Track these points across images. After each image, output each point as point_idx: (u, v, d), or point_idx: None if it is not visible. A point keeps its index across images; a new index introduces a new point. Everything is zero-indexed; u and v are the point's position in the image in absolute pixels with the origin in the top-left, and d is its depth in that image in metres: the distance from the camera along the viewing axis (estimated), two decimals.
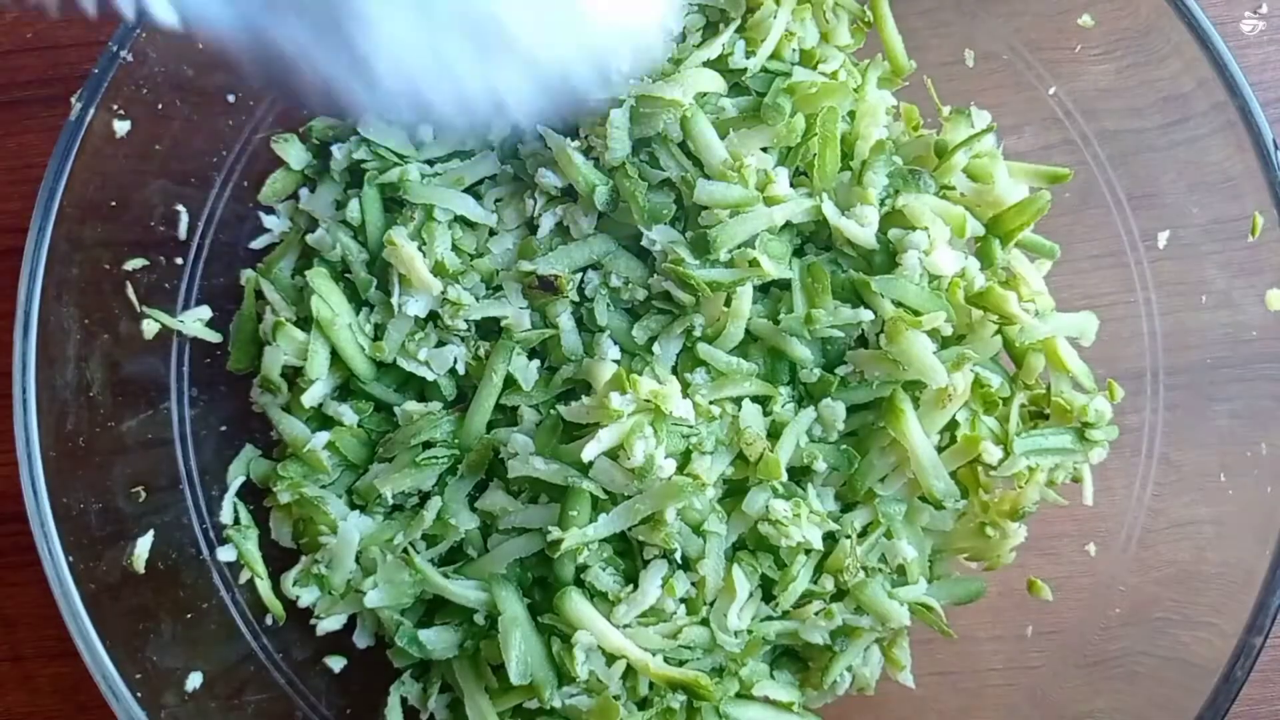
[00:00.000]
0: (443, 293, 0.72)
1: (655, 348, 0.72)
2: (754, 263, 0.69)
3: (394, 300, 0.72)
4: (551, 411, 0.71)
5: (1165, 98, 0.70)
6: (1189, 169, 0.70)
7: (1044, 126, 0.74)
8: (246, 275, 0.75)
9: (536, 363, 0.73)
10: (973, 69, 0.77)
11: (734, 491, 0.71)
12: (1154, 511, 0.70)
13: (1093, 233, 0.74)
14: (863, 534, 0.71)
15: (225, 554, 0.73)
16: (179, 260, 0.74)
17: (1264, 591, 0.63)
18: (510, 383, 0.72)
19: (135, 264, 0.72)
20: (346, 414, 0.74)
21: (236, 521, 0.74)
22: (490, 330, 0.73)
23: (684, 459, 0.69)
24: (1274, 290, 0.67)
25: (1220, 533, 0.68)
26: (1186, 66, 0.67)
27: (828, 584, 0.71)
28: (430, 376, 0.73)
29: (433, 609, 0.74)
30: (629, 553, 0.71)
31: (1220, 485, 0.69)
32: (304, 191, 0.76)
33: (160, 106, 0.71)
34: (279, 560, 0.74)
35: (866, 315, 0.69)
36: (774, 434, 0.71)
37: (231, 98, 0.75)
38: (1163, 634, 0.68)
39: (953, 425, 0.71)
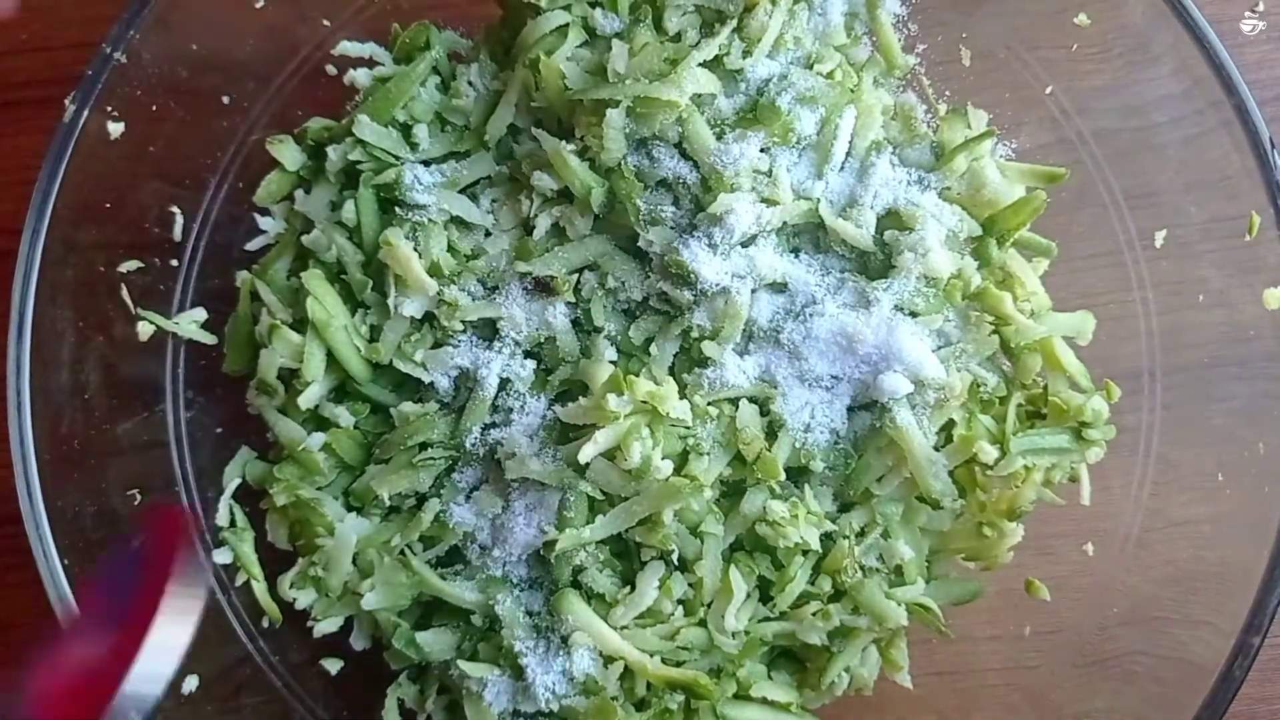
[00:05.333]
0: (438, 294, 0.71)
1: (652, 349, 0.72)
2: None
3: (390, 301, 0.72)
4: (548, 413, 0.71)
5: (1162, 96, 0.70)
6: (1186, 168, 0.70)
7: (1041, 125, 0.74)
8: (241, 277, 0.75)
9: (533, 363, 0.72)
10: (969, 68, 0.77)
11: (731, 492, 0.71)
12: (1152, 511, 0.70)
13: (1090, 232, 0.74)
14: (860, 534, 0.71)
15: (221, 556, 0.73)
16: (174, 262, 0.74)
17: (1262, 590, 0.63)
18: (506, 384, 0.72)
19: (130, 266, 0.71)
20: (343, 416, 0.73)
21: (232, 524, 0.74)
22: (487, 331, 0.73)
23: (681, 460, 0.69)
24: (1271, 289, 0.67)
25: (1218, 532, 0.68)
26: (1183, 65, 0.67)
27: (825, 585, 0.71)
28: (426, 378, 0.73)
29: (430, 611, 0.73)
30: (626, 554, 0.71)
31: (1218, 484, 0.69)
32: (299, 193, 0.76)
33: (154, 108, 0.71)
34: (275, 562, 0.74)
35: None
36: (771, 434, 0.70)
37: (226, 99, 0.74)
38: (1161, 633, 0.68)
39: (949, 425, 0.71)
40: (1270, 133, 0.66)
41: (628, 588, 0.69)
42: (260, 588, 0.73)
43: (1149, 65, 0.70)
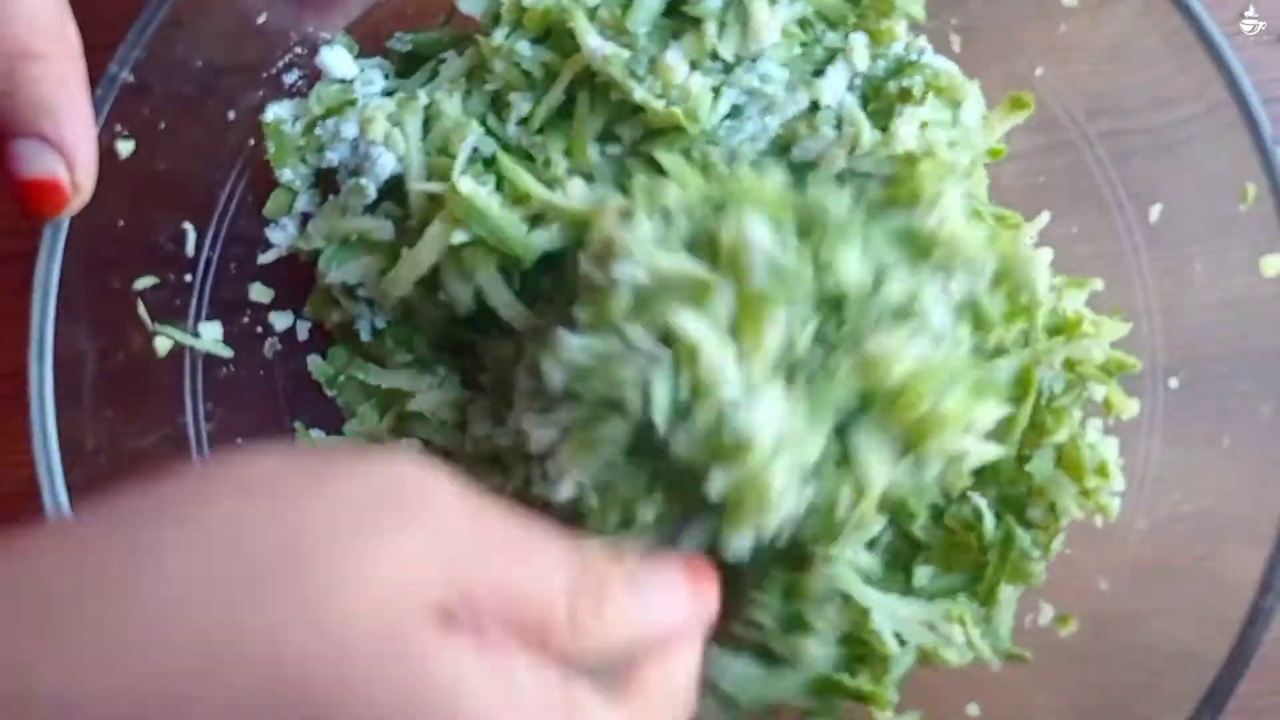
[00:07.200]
0: None
1: None
2: None
3: None
4: None
5: (1164, 96, 0.70)
6: (1187, 167, 0.71)
7: (1040, 127, 0.74)
8: None
9: None
10: (959, 54, 0.76)
11: None
12: (1149, 506, 0.71)
13: (1090, 230, 0.74)
14: None
15: None
16: (188, 277, 0.75)
17: (1261, 583, 0.64)
18: None
19: (145, 282, 0.73)
20: None
21: None
22: None
23: None
24: (1267, 257, 0.67)
25: (1215, 525, 0.69)
26: (1186, 65, 0.67)
27: None
28: None
29: None
30: None
31: (1215, 479, 0.70)
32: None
33: (163, 126, 0.71)
34: None
35: None
36: None
37: (232, 114, 0.75)
38: (1158, 628, 0.69)
39: None
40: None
41: None
42: None
43: (1152, 65, 0.70)
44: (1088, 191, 0.75)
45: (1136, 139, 0.73)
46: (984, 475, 0.69)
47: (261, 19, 0.73)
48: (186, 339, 0.75)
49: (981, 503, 0.69)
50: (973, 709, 0.71)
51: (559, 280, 0.69)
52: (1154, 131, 0.72)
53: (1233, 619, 0.64)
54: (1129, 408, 0.73)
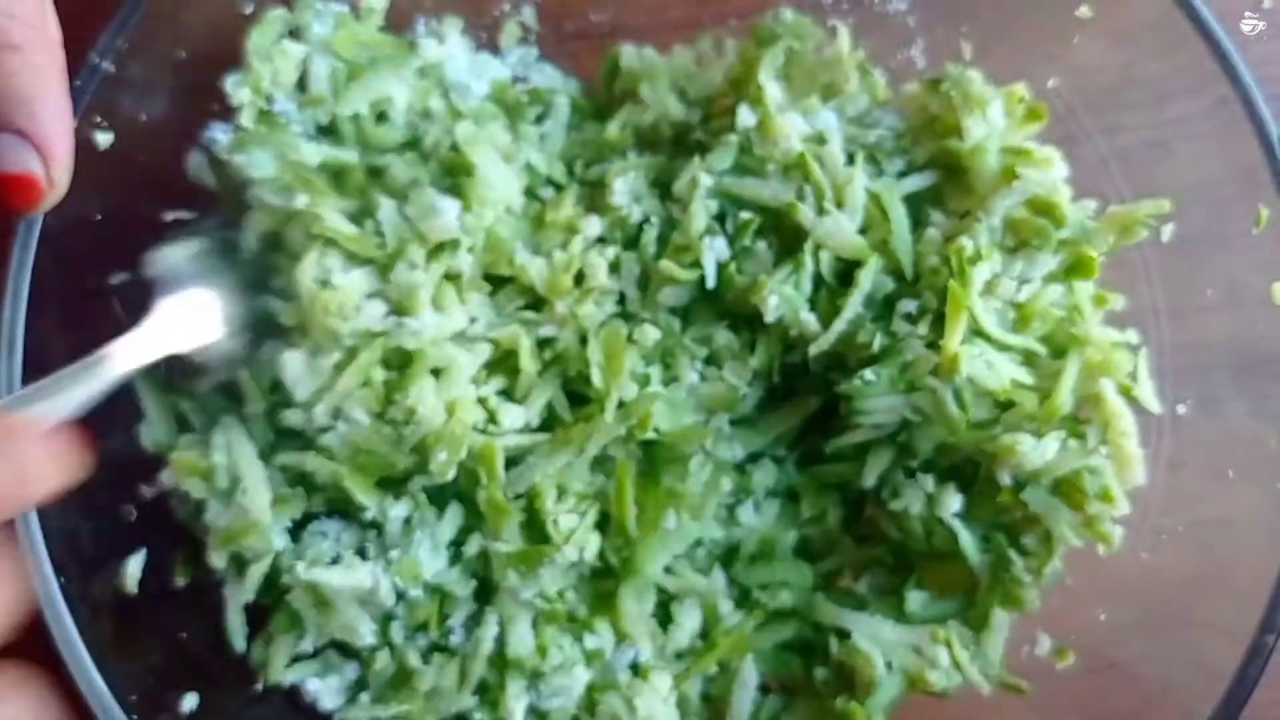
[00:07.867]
0: None
1: None
2: None
3: None
4: None
5: (1169, 93, 0.69)
6: (1193, 164, 0.69)
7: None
8: None
9: None
10: (971, 61, 0.75)
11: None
12: (1163, 512, 0.70)
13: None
14: None
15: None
16: None
17: (1276, 589, 0.62)
18: None
19: (120, 278, 0.70)
20: None
21: None
22: None
23: None
24: (1279, 284, 0.66)
25: (1230, 532, 0.68)
26: (1190, 61, 0.67)
27: None
28: None
29: None
30: None
31: (1230, 483, 0.68)
32: None
33: (143, 117, 0.70)
34: None
35: None
36: None
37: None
38: (1173, 636, 0.68)
39: None
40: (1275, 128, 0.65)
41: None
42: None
43: (1155, 61, 0.69)
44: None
45: (1152, 153, 0.72)
46: (976, 503, 0.69)
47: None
48: None
49: (956, 523, 0.68)
50: None
51: None
52: (1169, 144, 0.71)
53: (1246, 628, 0.62)
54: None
